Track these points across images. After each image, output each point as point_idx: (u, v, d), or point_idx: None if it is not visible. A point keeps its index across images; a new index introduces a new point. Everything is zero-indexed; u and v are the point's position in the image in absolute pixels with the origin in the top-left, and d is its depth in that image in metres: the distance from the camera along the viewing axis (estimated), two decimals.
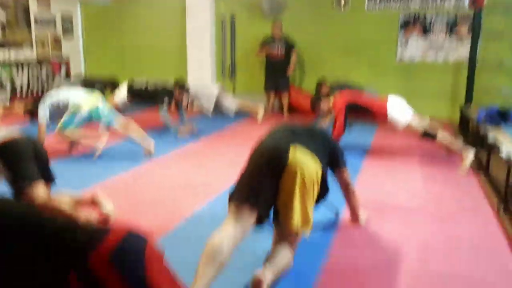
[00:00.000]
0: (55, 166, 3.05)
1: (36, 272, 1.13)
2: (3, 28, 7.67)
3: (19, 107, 6.90)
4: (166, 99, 5.51)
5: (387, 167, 4.37)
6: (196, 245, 2.57)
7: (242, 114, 6.94)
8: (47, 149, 3.02)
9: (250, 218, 1.93)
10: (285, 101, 7.27)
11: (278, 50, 7.11)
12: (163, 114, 5.51)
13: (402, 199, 3.50)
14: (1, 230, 1.21)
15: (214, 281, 1.77)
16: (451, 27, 6.88)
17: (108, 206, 2.92)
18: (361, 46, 7.26)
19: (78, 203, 2.94)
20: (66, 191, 3.03)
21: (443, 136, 4.50)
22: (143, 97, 5.81)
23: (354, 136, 5.18)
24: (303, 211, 1.99)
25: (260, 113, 6.73)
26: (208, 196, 3.43)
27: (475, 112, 5.34)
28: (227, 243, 1.83)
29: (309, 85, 7.20)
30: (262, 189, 1.96)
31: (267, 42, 7.18)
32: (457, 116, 6.55)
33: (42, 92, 8.05)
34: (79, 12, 8.84)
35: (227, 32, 7.90)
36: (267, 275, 1.84)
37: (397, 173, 4.18)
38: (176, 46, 8.21)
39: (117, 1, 8.53)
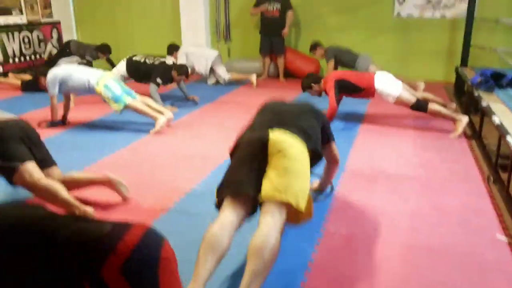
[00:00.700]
0: (50, 145, 3.04)
1: (48, 282, 1.17)
2: None
3: (16, 78, 6.83)
4: (159, 79, 5.45)
5: (380, 135, 4.43)
6: (196, 220, 2.68)
7: (238, 83, 6.92)
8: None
9: (245, 206, 2.00)
10: (281, 65, 7.18)
11: (273, 7, 6.95)
12: (153, 91, 5.43)
13: (395, 166, 3.60)
14: (13, 239, 1.22)
15: (214, 272, 1.84)
16: None
17: (123, 186, 2.96)
18: (358, 3, 7.12)
19: (93, 182, 2.95)
20: (77, 172, 3.05)
21: (433, 107, 4.52)
22: (141, 74, 5.72)
23: (349, 105, 5.18)
24: (282, 182, 1.97)
25: (254, 80, 6.72)
26: (207, 169, 3.51)
27: (471, 74, 5.33)
28: (228, 232, 1.87)
29: (305, 46, 7.09)
30: (250, 177, 2.02)
31: (262, 0, 7.01)
32: (453, 78, 6.53)
33: (35, 58, 7.95)
34: None
35: None
36: None
37: (390, 140, 4.25)
38: (169, 8, 8.05)
39: None
